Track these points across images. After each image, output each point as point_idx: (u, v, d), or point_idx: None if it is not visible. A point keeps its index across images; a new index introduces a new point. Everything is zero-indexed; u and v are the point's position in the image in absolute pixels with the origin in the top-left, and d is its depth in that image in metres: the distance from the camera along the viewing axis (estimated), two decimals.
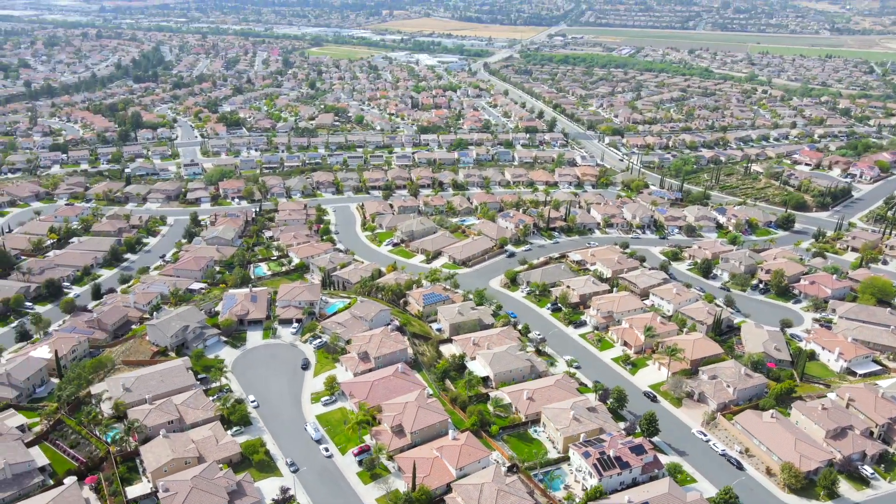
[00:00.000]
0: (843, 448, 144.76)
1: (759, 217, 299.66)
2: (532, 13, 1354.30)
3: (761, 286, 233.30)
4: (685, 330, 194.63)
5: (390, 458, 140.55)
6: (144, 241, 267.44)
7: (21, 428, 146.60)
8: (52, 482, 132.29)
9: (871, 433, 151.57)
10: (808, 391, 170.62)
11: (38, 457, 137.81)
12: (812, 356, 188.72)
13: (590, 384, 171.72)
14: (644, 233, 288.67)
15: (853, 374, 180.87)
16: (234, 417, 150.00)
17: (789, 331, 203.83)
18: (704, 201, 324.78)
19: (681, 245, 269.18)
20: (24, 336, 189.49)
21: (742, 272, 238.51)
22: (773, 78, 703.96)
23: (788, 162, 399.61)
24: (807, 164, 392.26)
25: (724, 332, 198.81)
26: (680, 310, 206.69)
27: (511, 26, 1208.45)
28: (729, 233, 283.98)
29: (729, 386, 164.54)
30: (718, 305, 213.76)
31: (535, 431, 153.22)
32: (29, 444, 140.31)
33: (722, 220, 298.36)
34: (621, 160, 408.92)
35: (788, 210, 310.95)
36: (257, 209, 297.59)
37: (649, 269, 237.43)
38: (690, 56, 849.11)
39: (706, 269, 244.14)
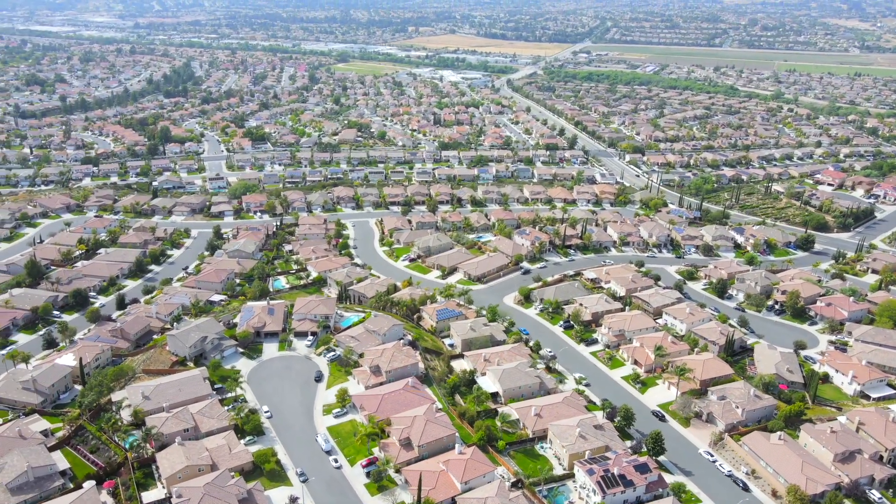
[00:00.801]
0: (851, 472, 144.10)
1: (778, 237, 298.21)
2: (557, 30, 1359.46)
3: (777, 307, 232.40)
4: (696, 350, 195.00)
5: (397, 470, 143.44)
6: (169, 253, 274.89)
7: (44, 433, 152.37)
8: (71, 486, 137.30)
9: (881, 457, 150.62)
10: (820, 414, 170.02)
11: (60, 461, 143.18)
12: (826, 379, 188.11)
13: (598, 402, 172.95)
14: (660, 252, 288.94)
15: (867, 397, 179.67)
16: (248, 427, 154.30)
17: (803, 353, 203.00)
18: (723, 220, 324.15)
19: (697, 264, 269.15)
20: (50, 344, 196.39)
21: (758, 293, 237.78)
22: (799, 96, 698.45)
23: (811, 182, 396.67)
24: (829, 184, 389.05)
25: (736, 353, 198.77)
26: (693, 330, 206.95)
27: (536, 43, 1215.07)
28: (746, 253, 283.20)
29: (737, 407, 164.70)
30: (732, 326, 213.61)
31: (542, 448, 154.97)
32: (51, 449, 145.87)
33: (740, 239, 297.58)
34: (637, 176, 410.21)
35: (808, 230, 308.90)
36: (278, 223, 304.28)
37: (663, 289, 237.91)
38: (716, 74, 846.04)
39: (721, 289, 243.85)
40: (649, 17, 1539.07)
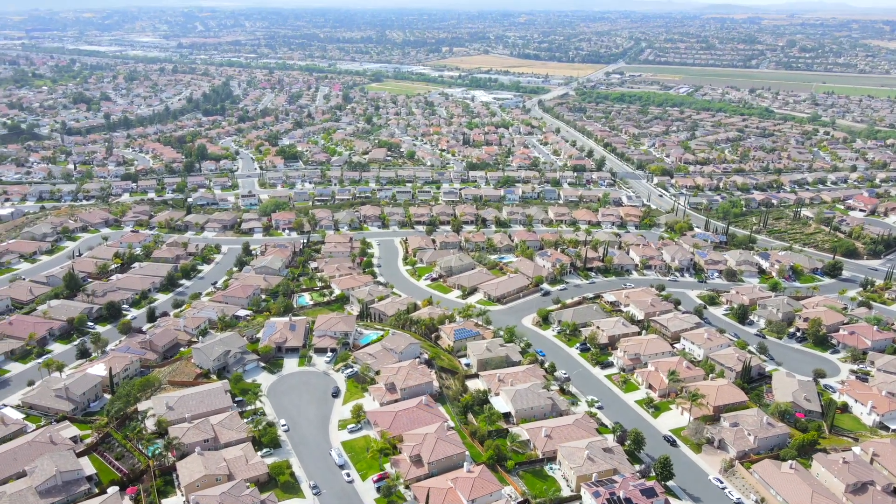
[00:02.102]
0: None
1: (805, 263, 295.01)
2: (591, 51, 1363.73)
3: (798, 334, 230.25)
4: (712, 376, 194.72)
5: (407, 486, 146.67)
6: (199, 268, 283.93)
7: (74, 439, 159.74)
8: (97, 490, 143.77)
9: (894, 490, 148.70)
10: (835, 444, 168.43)
11: (87, 466, 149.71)
12: (845, 408, 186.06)
13: (610, 425, 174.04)
14: (682, 276, 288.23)
15: (886, 428, 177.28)
16: (265, 439, 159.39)
17: (823, 381, 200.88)
18: (749, 245, 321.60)
19: (719, 289, 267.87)
20: (83, 353, 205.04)
21: (779, 319, 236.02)
22: (837, 119, 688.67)
23: (842, 207, 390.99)
24: (861, 210, 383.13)
25: (754, 380, 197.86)
26: (710, 355, 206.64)
27: (569, 63, 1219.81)
28: (770, 278, 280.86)
29: (750, 434, 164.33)
30: (751, 352, 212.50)
31: (551, 469, 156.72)
32: (79, 455, 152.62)
33: (765, 265, 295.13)
34: (660, 196, 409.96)
35: (836, 257, 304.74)
36: (305, 240, 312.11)
37: (683, 313, 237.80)
38: (751, 95, 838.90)
39: (742, 314, 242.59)
40: (684, 38, 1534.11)
